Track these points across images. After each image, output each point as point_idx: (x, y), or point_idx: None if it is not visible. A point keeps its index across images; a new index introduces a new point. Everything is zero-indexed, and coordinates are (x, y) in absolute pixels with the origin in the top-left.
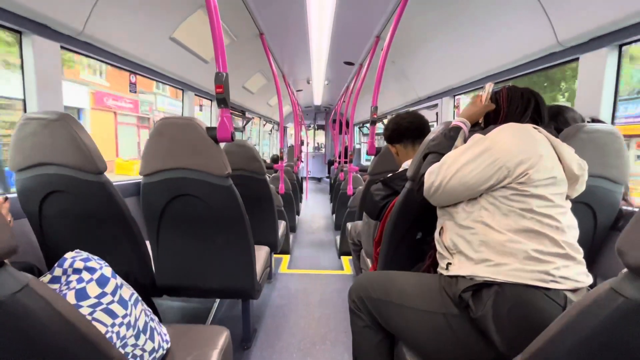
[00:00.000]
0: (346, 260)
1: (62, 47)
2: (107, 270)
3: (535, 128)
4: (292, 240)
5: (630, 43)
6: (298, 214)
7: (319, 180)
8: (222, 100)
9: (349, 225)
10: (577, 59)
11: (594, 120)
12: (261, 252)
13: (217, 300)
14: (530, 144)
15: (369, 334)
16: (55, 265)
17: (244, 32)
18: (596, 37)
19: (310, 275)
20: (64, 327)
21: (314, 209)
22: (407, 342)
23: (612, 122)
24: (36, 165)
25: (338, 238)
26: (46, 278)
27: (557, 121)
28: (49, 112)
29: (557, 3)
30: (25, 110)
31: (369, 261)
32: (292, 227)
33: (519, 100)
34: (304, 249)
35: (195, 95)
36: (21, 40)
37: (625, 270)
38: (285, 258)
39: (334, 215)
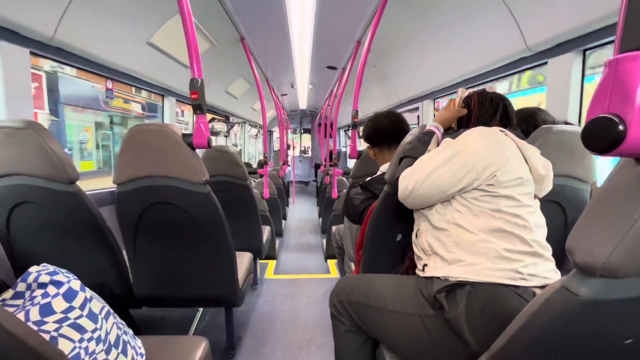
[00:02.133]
0: (333, 263)
1: (31, 53)
2: (76, 284)
3: (502, 131)
4: (278, 245)
5: (593, 48)
6: (285, 218)
7: (306, 184)
8: (198, 107)
9: (333, 228)
10: (546, 63)
11: (566, 124)
12: (243, 259)
13: (200, 309)
14: (497, 147)
15: (350, 337)
16: (18, 280)
17: (225, 37)
18: (562, 42)
19: (297, 280)
20: (16, 347)
21: (301, 213)
22: (388, 344)
23: (579, 123)
24: (3, 176)
25: (324, 241)
26: (8, 294)
27: (529, 124)
28: (16, 120)
29: (525, 9)
30: None
31: (352, 264)
32: (278, 232)
33: (489, 105)
34: (290, 253)
35: (177, 100)
36: None
37: (575, 269)
38: (272, 263)
39: (321, 218)
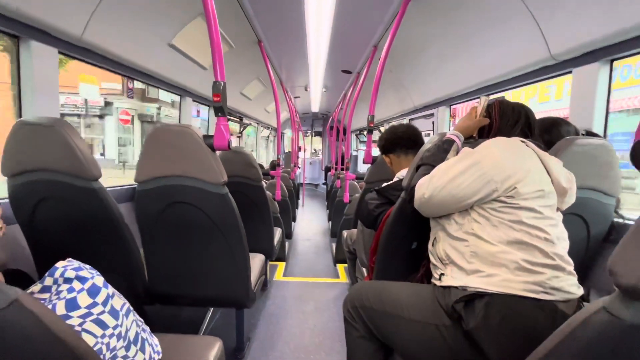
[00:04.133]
0: (342, 268)
1: (60, 53)
2: (99, 280)
3: (523, 142)
4: (287, 247)
5: (621, 58)
6: (294, 220)
7: (315, 186)
8: (220, 109)
9: (344, 233)
10: (571, 72)
11: (588, 133)
12: (256, 260)
13: (211, 309)
14: (518, 158)
15: (363, 344)
16: (46, 274)
17: (243, 40)
18: (588, 52)
19: (306, 283)
20: (53, 342)
21: (311, 215)
22: (402, 352)
23: (605, 135)
24: (30, 171)
25: (334, 245)
26: (37, 287)
27: (551, 135)
28: (44, 117)
29: (549, 18)
30: (20, 115)
31: (364, 270)
32: (288, 234)
33: (510, 114)
34: (299, 256)
35: (193, 101)
36: (19, 45)
37: (617, 290)
38: (281, 265)
39: (330, 222)
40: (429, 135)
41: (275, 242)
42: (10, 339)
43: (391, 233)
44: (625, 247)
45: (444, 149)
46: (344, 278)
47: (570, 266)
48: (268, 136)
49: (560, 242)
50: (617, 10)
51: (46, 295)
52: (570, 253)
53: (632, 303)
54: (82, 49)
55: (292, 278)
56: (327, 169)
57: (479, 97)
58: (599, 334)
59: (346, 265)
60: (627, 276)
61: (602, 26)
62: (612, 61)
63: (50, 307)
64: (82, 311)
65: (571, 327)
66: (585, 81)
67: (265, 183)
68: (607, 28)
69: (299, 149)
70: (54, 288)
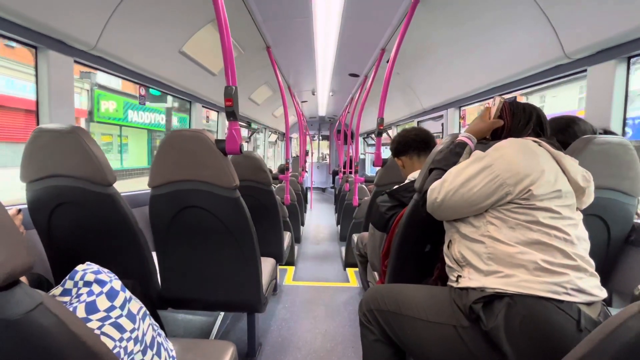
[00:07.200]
0: (352, 272)
1: (75, 61)
2: (117, 284)
3: (535, 142)
4: (297, 251)
5: (639, 55)
6: (303, 224)
7: (323, 190)
8: (232, 114)
9: (355, 236)
10: (585, 70)
11: (606, 132)
12: (267, 264)
13: (222, 313)
14: (531, 159)
15: (379, 348)
16: (67, 277)
17: (251, 45)
18: (604, 50)
19: (316, 287)
20: (75, 344)
21: (319, 219)
22: (418, 356)
23: (623, 134)
24: (47, 177)
25: (343, 249)
26: (57, 290)
27: (566, 134)
28: (62, 124)
29: (562, 15)
30: (37, 122)
31: (375, 274)
32: (296, 238)
33: (521, 114)
34: (308, 260)
35: (203, 106)
36: (37, 55)
37: None
38: (290, 269)
39: (339, 226)
40: (438, 137)
41: (285, 246)
42: (36, 340)
43: (403, 236)
44: None
45: (455, 152)
46: (354, 282)
47: (592, 267)
48: (275, 141)
49: (581, 242)
50: (634, 6)
51: (67, 299)
52: (590, 255)
53: None
54: (97, 57)
55: (302, 282)
56: (335, 173)
57: (490, 98)
58: (636, 340)
59: (356, 269)
60: None
61: (618, 23)
62: (629, 58)
63: (71, 309)
64: (101, 314)
65: (606, 331)
66: (601, 80)
67: (274, 187)
68: (623, 25)
69: (307, 152)
70: (74, 291)
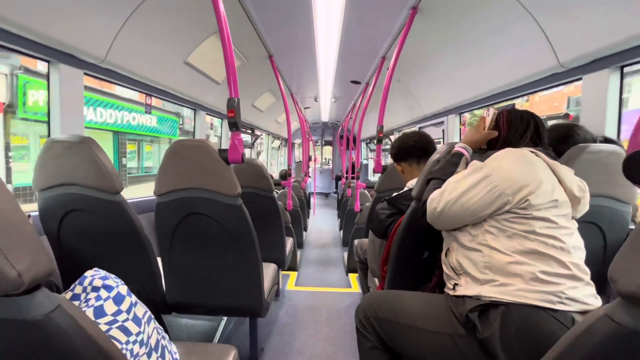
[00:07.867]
0: (354, 277)
1: (85, 74)
2: (123, 289)
3: (532, 152)
4: (299, 256)
5: (632, 64)
6: (305, 229)
7: (326, 195)
8: (234, 124)
9: (356, 242)
10: (580, 79)
11: (606, 140)
12: (269, 270)
13: (225, 318)
14: (529, 169)
15: (376, 354)
16: (76, 282)
17: (254, 54)
18: (598, 59)
19: (318, 292)
20: (89, 344)
21: (322, 224)
22: None
23: (618, 140)
24: (58, 185)
25: (346, 255)
26: (67, 295)
27: (567, 143)
28: (73, 135)
29: (556, 25)
30: (49, 132)
31: (375, 280)
32: (299, 243)
33: (519, 123)
34: (311, 265)
35: (207, 114)
36: (49, 68)
37: (618, 297)
38: (293, 275)
39: (342, 231)
40: (439, 143)
41: (287, 252)
42: (54, 340)
43: (402, 243)
44: (625, 254)
45: (453, 162)
46: (356, 288)
47: (587, 276)
48: (279, 146)
49: (577, 251)
50: (626, 16)
51: (76, 303)
52: (587, 262)
53: (634, 310)
54: (106, 70)
55: (304, 288)
56: (338, 178)
57: (489, 105)
58: (602, 341)
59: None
60: (627, 283)
61: (611, 32)
62: (622, 67)
63: None
64: (109, 318)
65: (574, 335)
66: (595, 88)
67: (277, 193)
68: (616, 34)
69: (310, 158)
70: (83, 296)
